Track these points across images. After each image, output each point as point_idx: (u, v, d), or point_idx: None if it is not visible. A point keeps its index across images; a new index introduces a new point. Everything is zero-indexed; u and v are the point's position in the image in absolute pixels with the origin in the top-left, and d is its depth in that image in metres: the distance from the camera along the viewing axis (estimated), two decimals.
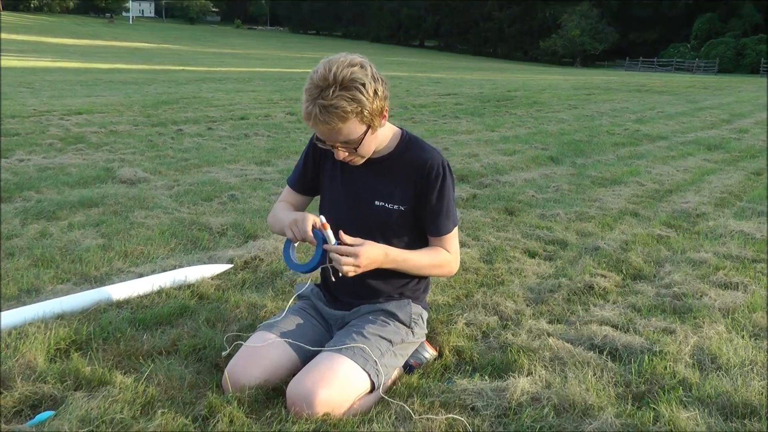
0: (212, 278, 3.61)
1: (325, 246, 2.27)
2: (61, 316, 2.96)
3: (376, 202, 2.45)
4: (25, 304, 3.16)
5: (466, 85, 24.23)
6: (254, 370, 2.37)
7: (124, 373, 2.48)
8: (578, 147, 9.50)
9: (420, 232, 2.52)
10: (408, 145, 2.47)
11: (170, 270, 3.71)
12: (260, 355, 2.42)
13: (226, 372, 2.38)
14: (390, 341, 2.47)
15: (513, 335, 2.92)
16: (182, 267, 3.76)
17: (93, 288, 3.42)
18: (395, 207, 2.44)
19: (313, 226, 2.31)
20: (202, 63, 35.26)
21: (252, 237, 4.49)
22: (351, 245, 2.29)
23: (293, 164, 7.30)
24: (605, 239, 4.65)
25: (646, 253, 4.37)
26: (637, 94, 22.31)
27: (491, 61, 66.03)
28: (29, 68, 24.99)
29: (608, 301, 3.44)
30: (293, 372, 2.43)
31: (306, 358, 2.47)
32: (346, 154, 2.33)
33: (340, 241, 2.29)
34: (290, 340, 2.48)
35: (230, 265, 3.79)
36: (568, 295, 3.51)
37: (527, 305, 3.36)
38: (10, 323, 2.85)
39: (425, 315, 2.69)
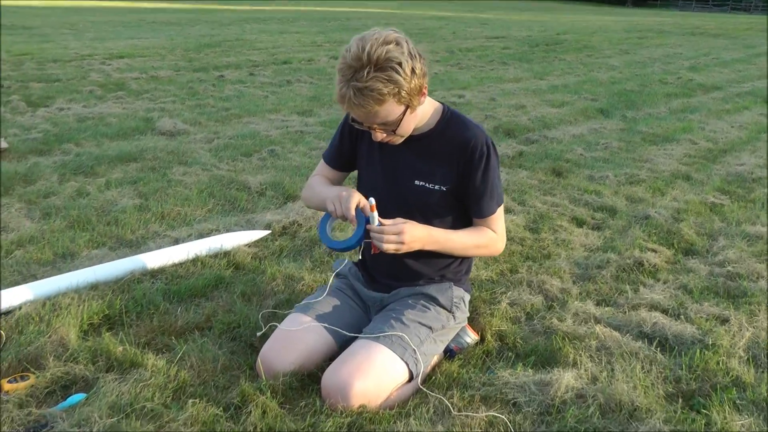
0: (249, 246, 3.53)
1: (368, 226, 2.16)
2: (95, 287, 2.92)
3: (416, 182, 2.32)
4: (60, 270, 3.14)
5: (514, 27, 23.54)
6: (289, 355, 2.30)
7: (157, 354, 2.43)
8: (629, 98, 9.14)
9: (463, 212, 2.39)
10: (450, 122, 2.31)
11: (207, 235, 3.65)
12: (295, 339, 2.34)
13: (259, 357, 2.31)
14: (430, 328, 2.36)
15: (558, 319, 2.79)
16: (219, 232, 3.70)
17: (128, 253, 3.38)
18: (436, 187, 2.31)
19: (357, 204, 2.19)
20: (247, 1, 34.85)
21: (291, 198, 4.40)
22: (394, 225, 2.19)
23: (335, 115, 7.16)
24: (656, 207, 4.44)
25: (699, 223, 4.16)
26: (691, 38, 21.42)
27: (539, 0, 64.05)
28: (73, 8, 25.01)
29: (658, 281, 3.28)
30: (330, 357, 2.35)
31: (343, 342, 2.39)
32: (384, 135, 2.19)
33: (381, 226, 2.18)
34: (327, 325, 2.39)
35: (267, 232, 3.71)
36: (617, 272, 3.35)
37: (574, 283, 3.22)
38: (45, 293, 2.82)
39: (467, 297, 2.57)
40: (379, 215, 2.17)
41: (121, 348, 2.42)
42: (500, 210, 2.39)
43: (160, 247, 3.48)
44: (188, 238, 3.62)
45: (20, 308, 2.69)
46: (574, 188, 4.86)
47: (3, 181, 4.39)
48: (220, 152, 5.53)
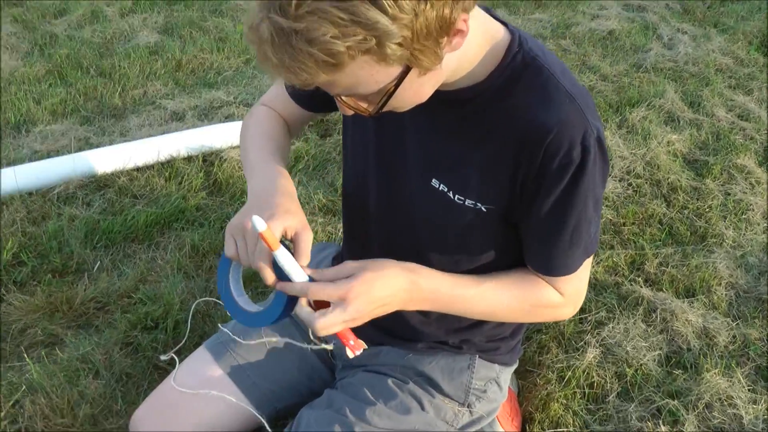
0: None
1: (279, 285, 1.04)
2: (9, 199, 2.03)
3: (434, 183, 1.11)
4: None
5: None
6: None
7: None
8: None
9: (514, 243, 1.18)
10: (520, 80, 1.01)
11: (217, 110, 2.61)
12: (186, 409, 1.36)
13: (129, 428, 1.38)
14: None
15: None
16: (238, 106, 2.63)
17: (96, 134, 2.43)
18: (469, 203, 1.10)
19: (283, 237, 1.07)
20: None
21: None
22: (334, 279, 1.04)
23: None
24: None
25: None
26: None
27: None
28: None
29: None
30: (246, 427, 1.39)
31: (269, 413, 1.40)
32: (362, 107, 0.97)
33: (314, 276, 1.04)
34: (241, 395, 1.38)
35: None
36: None
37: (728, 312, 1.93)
38: None
39: (505, 373, 1.42)
40: (359, 246, 1.13)
41: None
42: (586, 264, 1.15)
43: (143, 126, 2.50)
44: (191, 112, 2.60)
45: None
46: None
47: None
48: None
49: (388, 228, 1.23)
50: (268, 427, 1.25)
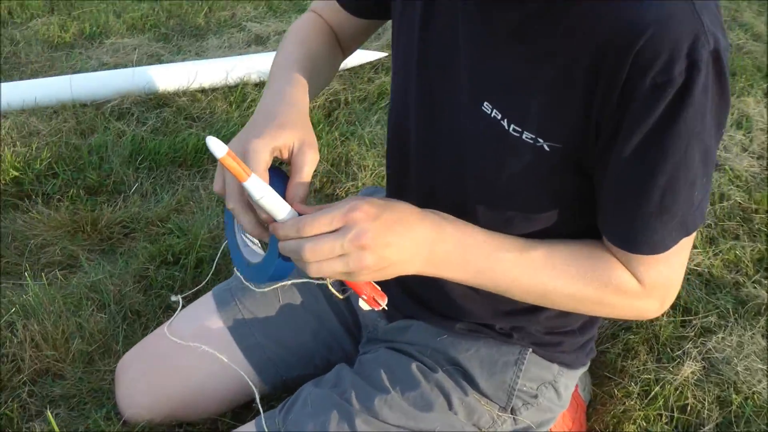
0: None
1: (273, 229, 0.77)
2: (61, 108, 1.88)
3: (485, 106, 0.81)
4: (53, 65, 2.13)
5: None
6: (155, 390, 1.15)
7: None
8: None
9: (587, 203, 0.85)
10: None
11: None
12: (175, 365, 1.15)
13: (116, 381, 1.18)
14: None
15: None
16: None
17: (171, 52, 2.26)
18: (528, 137, 0.79)
19: (276, 162, 0.83)
20: None
21: None
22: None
23: None
24: None
25: None
26: None
27: None
28: None
29: None
30: (240, 399, 1.17)
31: (274, 382, 1.17)
32: None
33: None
34: (241, 351, 1.15)
35: (384, 54, 2.31)
36: None
37: None
38: None
39: (569, 379, 1.09)
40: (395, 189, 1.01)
41: None
42: (683, 245, 0.82)
43: (222, 47, 2.30)
44: (276, 37, 2.37)
45: None
46: None
47: None
48: None
49: (428, 174, 0.95)
50: (257, 398, 1.01)
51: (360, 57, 2.21)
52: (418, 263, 0.78)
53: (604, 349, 1.37)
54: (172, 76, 1.99)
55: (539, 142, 0.78)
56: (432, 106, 0.90)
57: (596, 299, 0.84)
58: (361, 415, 0.98)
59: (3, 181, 1.65)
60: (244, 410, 1.19)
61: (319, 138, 1.84)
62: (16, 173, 1.65)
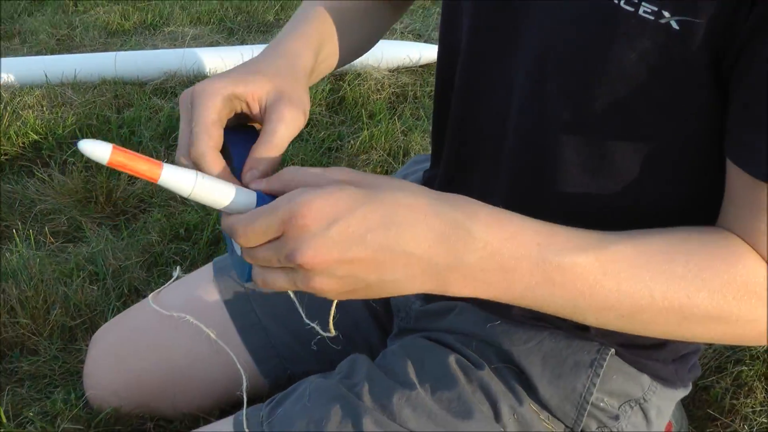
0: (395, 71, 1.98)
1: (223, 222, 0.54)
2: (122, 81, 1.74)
3: None
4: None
5: None
6: (128, 374, 0.92)
7: None
8: None
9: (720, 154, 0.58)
10: None
11: None
12: (152, 339, 0.92)
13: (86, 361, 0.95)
14: None
15: None
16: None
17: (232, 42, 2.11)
18: (647, 11, 0.53)
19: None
20: None
21: None
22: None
23: None
24: None
25: None
26: None
27: None
28: None
29: None
30: (232, 394, 0.91)
31: (277, 376, 0.92)
32: None
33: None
34: (237, 330, 0.91)
35: None
36: None
37: None
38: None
39: (663, 397, 0.79)
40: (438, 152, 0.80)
41: None
42: None
43: None
44: None
45: None
46: None
47: None
48: None
49: (493, 78, 0.70)
50: (244, 384, 0.76)
51: (435, 53, 2.00)
52: (423, 283, 0.52)
53: (707, 384, 1.06)
54: (222, 59, 1.83)
55: (664, 16, 0.52)
56: None
57: (711, 310, 0.54)
58: (372, 413, 0.71)
59: (21, 144, 1.49)
60: (235, 409, 0.94)
61: (378, 126, 1.62)
62: (36, 137, 1.49)
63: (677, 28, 0.52)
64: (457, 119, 0.74)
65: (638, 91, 0.57)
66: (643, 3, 0.53)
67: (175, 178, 0.50)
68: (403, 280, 0.51)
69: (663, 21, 0.52)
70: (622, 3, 0.54)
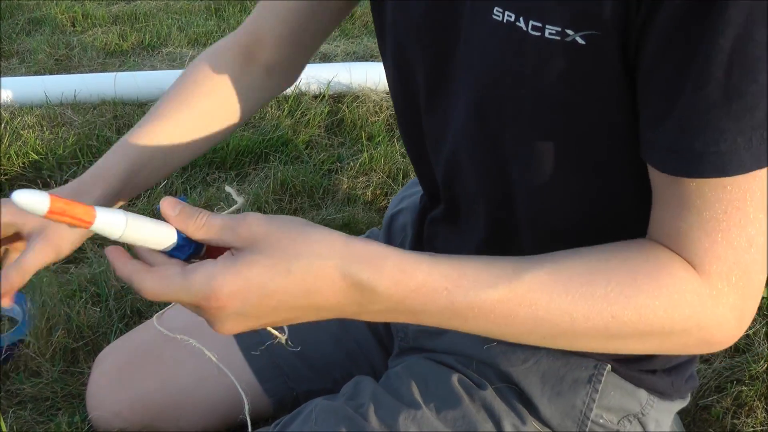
0: None
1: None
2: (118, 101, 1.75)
3: (496, 13, 0.58)
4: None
5: None
6: (132, 395, 0.92)
7: None
8: None
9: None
10: None
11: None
12: (154, 362, 0.93)
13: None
14: None
15: None
16: None
17: None
18: (551, 32, 0.55)
19: None
20: None
21: None
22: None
23: None
24: None
25: None
26: None
27: None
28: None
29: None
30: (237, 415, 0.90)
31: (282, 396, 0.93)
32: None
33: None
34: (242, 351, 0.92)
35: None
36: None
37: None
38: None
39: (660, 411, 0.80)
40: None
41: None
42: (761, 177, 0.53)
43: None
44: (343, 55, 2.22)
45: None
46: None
47: None
48: None
49: (436, 123, 0.73)
50: (246, 407, 0.76)
51: None
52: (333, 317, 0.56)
53: (707, 403, 1.07)
54: None
55: (568, 35, 0.54)
56: (435, 35, 0.67)
57: (641, 326, 0.54)
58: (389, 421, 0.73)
59: (20, 165, 1.50)
60: (241, 430, 0.95)
61: (377, 148, 1.64)
62: (36, 157, 1.50)
63: (583, 42, 0.54)
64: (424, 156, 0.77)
65: (564, 110, 0.59)
66: (547, 26, 0.54)
67: (104, 221, 0.49)
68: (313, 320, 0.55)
69: (569, 39, 0.54)
70: (529, 29, 0.55)
